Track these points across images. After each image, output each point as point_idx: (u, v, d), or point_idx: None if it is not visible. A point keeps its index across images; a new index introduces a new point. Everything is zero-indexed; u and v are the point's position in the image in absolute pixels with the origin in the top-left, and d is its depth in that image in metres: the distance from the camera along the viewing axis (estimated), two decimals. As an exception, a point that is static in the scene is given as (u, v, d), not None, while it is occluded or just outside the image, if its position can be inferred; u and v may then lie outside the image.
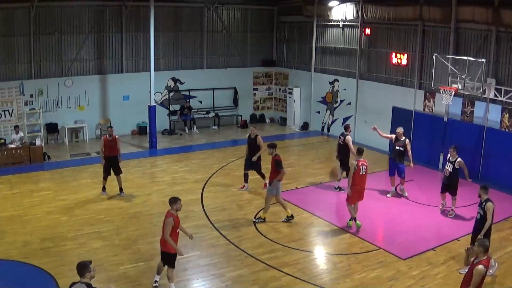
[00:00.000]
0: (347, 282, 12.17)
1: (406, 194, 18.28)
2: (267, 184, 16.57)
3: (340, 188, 18.65)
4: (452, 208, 16.66)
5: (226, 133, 27.69)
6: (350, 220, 15.61)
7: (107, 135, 17.86)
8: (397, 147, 18.14)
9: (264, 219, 15.82)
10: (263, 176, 18.65)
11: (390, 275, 12.58)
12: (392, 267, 12.97)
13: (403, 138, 18.17)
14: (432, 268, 12.93)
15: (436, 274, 12.62)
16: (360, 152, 15.43)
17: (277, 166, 15.45)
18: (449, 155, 16.48)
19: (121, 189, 17.99)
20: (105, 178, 17.91)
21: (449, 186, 16.50)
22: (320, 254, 14.02)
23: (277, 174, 15.48)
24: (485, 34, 19.85)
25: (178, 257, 13.18)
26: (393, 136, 18.47)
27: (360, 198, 15.56)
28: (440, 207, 16.99)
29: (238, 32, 30.27)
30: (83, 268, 8.20)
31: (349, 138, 18.40)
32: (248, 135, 18.78)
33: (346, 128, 18.84)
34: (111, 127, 18.57)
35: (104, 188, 18.03)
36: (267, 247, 13.98)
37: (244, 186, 18.80)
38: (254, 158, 18.20)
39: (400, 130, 18.30)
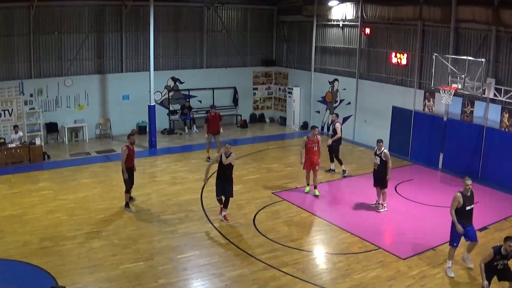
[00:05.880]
0: (346, 282, 12.17)
1: None
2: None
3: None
4: (380, 202, 16.95)
5: (226, 132, 27.54)
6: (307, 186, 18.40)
7: (129, 144, 16.29)
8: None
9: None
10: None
11: (389, 274, 12.57)
12: (391, 267, 12.96)
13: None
14: (431, 268, 12.93)
15: (436, 274, 12.62)
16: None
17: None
18: (376, 148, 16.75)
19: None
20: (128, 191, 16.59)
21: (378, 179, 16.73)
22: (320, 254, 14.01)
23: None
24: (485, 34, 19.85)
25: (177, 256, 13.25)
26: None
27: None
28: (374, 204, 17.16)
29: (238, 32, 30.27)
30: None
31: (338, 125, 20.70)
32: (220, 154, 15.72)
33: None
34: (133, 135, 17.04)
35: (128, 204, 16.63)
36: (266, 247, 13.97)
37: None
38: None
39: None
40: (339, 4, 26.17)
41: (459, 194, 12.46)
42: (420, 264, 13.14)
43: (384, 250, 13.94)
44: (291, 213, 16.54)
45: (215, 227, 15.31)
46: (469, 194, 12.52)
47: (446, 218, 16.17)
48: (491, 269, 10.68)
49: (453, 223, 12.58)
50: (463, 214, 12.52)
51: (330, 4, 26.55)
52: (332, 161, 20.94)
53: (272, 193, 18.37)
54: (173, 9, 27.65)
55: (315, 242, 14.77)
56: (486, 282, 10.52)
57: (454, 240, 12.71)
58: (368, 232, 15.14)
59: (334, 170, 20.95)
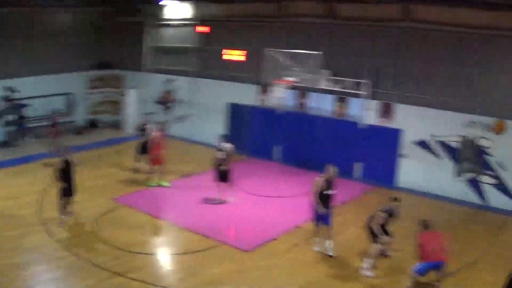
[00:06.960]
0: (193, 280, 12.32)
1: None
2: None
3: None
4: (229, 195, 17.69)
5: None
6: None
7: None
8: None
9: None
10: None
11: (236, 268, 12.91)
12: (237, 260, 13.32)
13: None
14: (277, 256, 13.37)
15: (282, 262, 13.12)
16: None
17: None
18: (219, 143, 17.56)
19: None
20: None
21: (222, 173, 17.39)
22: (165, 255, 14.03)
23: None
24: (320, 27, 20.77)
25: (22, 273, 12.49)
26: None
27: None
28: (215, 200, 17.72)
29: (70, 36, 28.96)
30: None
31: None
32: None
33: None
34: None
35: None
36: (110, 254, 13.60)
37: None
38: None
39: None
40: (173, 3, 26.18)
41: (318, 179, 13.58)
42: (265, 254, 13.62)
43: (228, 245, 14.25)
44: (133, 218, 16.31)
45: (56, 240, 14.61)
46: (331, 180, 13.61)
47: (284, 207, 16.88)
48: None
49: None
50: (322, 197, 13.51)
51: (163, 3, 26.51)
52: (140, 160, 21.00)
53: (112, 198, 17.97)
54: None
55: (159, 244, 14.77)
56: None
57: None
58: (210, 229, 15.37)
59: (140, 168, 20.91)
